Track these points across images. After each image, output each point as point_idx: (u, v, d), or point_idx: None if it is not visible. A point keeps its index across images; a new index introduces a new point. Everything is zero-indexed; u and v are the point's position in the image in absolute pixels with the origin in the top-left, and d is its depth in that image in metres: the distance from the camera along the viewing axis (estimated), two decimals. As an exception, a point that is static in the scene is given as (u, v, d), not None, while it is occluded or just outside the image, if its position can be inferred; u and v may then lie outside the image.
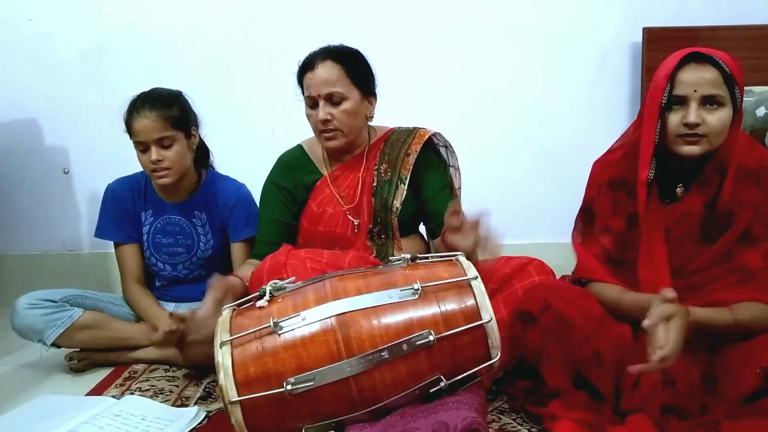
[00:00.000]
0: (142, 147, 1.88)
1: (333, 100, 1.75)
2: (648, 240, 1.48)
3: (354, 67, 1.79)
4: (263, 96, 2.59)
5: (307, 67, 1.78)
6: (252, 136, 2.60)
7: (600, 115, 2.60)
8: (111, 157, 2.49)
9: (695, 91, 1.38)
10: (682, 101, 1.40)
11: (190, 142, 1.95)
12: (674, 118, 1.41)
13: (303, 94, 1.82)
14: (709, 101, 1.39)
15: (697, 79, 1.39)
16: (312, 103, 1.78)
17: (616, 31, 2.58)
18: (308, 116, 1.81)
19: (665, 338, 1.21)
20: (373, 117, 1.87)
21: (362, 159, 1.88)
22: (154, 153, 1.86)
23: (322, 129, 1.78)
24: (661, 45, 2.41)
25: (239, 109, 2.60)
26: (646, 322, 1.24)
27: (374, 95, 1.85)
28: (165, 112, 1.86)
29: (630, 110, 2.60)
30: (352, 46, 1.83)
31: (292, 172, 1.91)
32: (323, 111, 1.75)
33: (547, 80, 2.61)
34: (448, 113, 2.55)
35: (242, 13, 2.59)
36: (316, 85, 1.75)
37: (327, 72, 1.75)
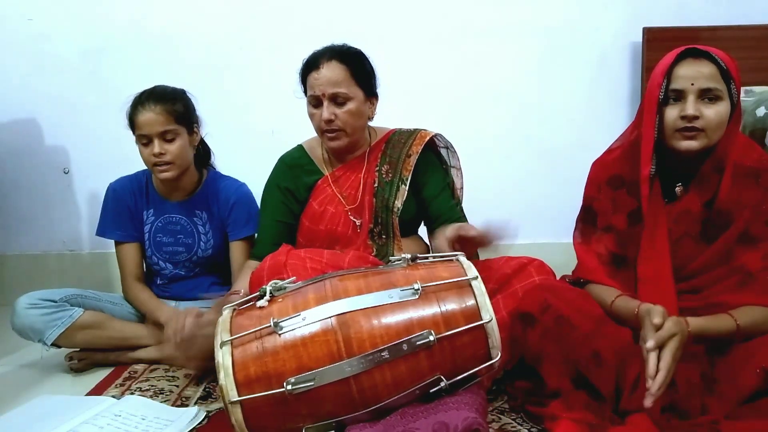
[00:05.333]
0: (145, 140, 1.89)
1: (337, 100, 1.75)
2: (650, 237, 1.48)
3: (358, 67, 1.79)
4: (263, 96, 2.59)
5: (311, 66, 1.77)
6: (252, 136, 2.60)
7: (600, 115, 2.60)
8: (111, 157, 2.49)
9: (692, 84, 1.39)
10: (680, 95, 1.41)
11: (192, 139, 1.97)
12: (672, 113, 1.42)
13: (305, 92, 1.82)
14: (706, 95, 1.39)
15: (694, 73, 1.40)
16: (316, 102, 1.77)
17: (616, 31, 2.58)
18: (311, 115, 1.81)
19: (657, 367, 1.21)
20: (374, 117, 1.87)
21: (364, 160, 1.89)
22: (157, 146, 1.87)
23: (325, 129, 1.78)
24: (661, 45, 2.41)
25: (239, 109, 2.60)
26: (649, 344, 1.23)
27: (376, 96, 1.86)
28: (169, 107, 1.88)
29: (630, 110, 2.60)
30: (356, 47, 1.83)
31: (293, 172, 1.91)
32: (327, 111, 1.75)
33: (547, 80, 2.61)
34: (448, 113, 2.56)
35: (242, 13, 2.59)
36: (321, 85, 1.74)
37: (332, 72, 1.74)
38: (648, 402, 1.19)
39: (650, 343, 1.23)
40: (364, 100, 1.80)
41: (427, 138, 1.88)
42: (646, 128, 1.45)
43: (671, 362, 1.23)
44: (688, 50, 1.42)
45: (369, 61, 1.83)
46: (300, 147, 1.96)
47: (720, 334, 1.36)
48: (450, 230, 1.52)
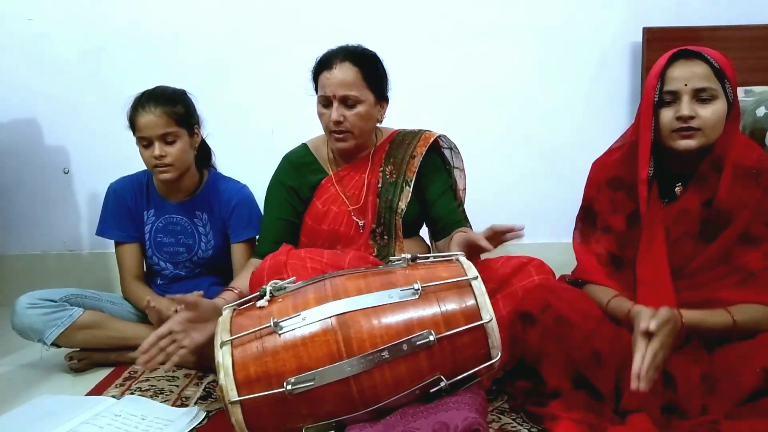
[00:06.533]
0: (146, 143, 1.89)
1: (347, 102, 1.74)
2: (648, 239, 1.49)
3: (371, 70, 1.78)
4: (263, 96, 2.59)
5: (324, 65, 1.77)
6: (252, 136, 2.60)
7: (600, 115, 2.61)
8: (111, 157, 2.49)
9: (686, 85, 1.40)
10: (675, 96, 1.42)
11: (193, 140, 1.96)
12: (667, 114, 1.43)
13: (316, 91, 1.81)
14: (700, 94, 1.40)
15: (687, 73, 1.41)
16: (326, 102, 1.77)
17: (616, 31, 2.58)
18: (320, 115, 1.80)
19: (642, 362, 1.22)
20: (383, 120, 1.87)
21: (368, 160, 1.89)
22: (158, 148, 1.87)
23: (333, 129, 1.77)
24: (661, 45, 2.40)
25: (239, 109, 2.60)
26: (652, 325, 1.24)
27: (387, 99, 1.85)
28: (169, 109, 1.88)
29: (630, 110, 2.60)
30: (370, 49, 1.82)
31: (298, 170, 1.91)
32: (336, 112, 1.74)
33: (547, 80, 2.61)
34: (448, 113, 2.56)
35: (242, 13, 2.59)
36: (332, 86, 1.73)
37: (344, 73, 1.73)
38: (634, 384, 1.20)
39: (642, 325, 1.24)
40: (374, 103, 1.79)
41: (432, 139, 1.88)
42: (643, 131, 1.46)
43: (658, 348, 1.24)
44: (680, 51, 1.43)
45: (382, 64, 1.82)
46: (305, 146, 1.96)
47: (715, 329, 1.36)
48: (459, 238, 1.55)
